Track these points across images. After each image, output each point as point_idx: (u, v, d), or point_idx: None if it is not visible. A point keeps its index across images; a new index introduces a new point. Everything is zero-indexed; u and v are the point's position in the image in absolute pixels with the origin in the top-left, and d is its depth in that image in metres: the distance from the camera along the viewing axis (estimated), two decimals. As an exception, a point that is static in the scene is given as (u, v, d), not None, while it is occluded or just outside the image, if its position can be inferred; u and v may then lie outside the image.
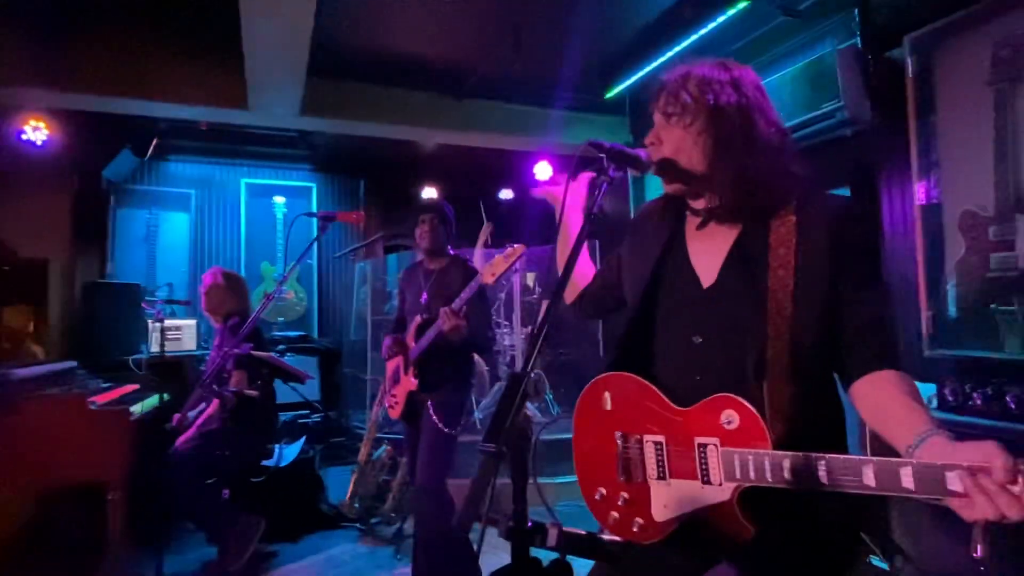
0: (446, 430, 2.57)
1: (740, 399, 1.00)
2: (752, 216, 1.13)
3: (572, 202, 1.39)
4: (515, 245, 2.34)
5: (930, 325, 2.75)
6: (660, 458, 1.09)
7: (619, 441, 1.13)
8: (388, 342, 2.82)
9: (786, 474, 0.93)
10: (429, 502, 2.54)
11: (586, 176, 1.29)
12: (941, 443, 0.86)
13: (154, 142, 4.91)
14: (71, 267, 4.87)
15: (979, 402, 2.22)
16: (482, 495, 0.76)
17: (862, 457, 0.86)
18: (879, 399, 1.01)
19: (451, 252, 2.86)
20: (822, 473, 0.89)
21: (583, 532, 0.83)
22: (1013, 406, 2.13)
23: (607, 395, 1.19)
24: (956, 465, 0.78)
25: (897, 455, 0.89)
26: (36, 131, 4.36)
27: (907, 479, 0.81)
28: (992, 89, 2.55)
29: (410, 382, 2.67)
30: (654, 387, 1.13)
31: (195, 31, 3.96)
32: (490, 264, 2.39)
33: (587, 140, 1.14)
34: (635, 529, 1.09)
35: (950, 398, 2.32)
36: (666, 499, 1.07)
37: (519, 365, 4.70)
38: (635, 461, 1.11)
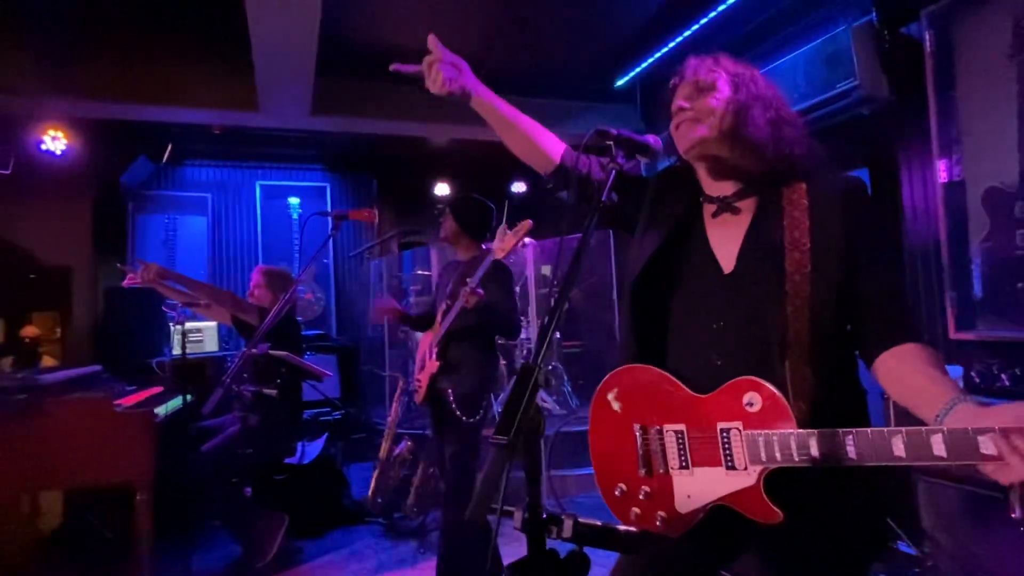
0: (467, 420, 2.59)
1: (761, 381, 1.00)
2: (767, 192, 1.14)
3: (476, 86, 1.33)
4: (523, 221, 2.39)
5: (955, 306, 2.69)
6: (682, 447, 1.07)
7: (638, 433, 1.12)
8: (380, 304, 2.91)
9: (813, 452, 0.92)
10: (455, 490, 2.57)
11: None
12: (970, 409, 0.85)
13: (169, 148, 4.97)
14: (93, 273, 4.96)
15: (1008, 383, 2.17)
16: (494, 487, 0.75)
17: (891, 428, 0.85)
18: (903, 372, 1.00)
19: (484, 247, 2.84)
20: (850, 448, 0.88)
21: (599, 523, 0.82)
22: (1043, 386, 2.07)
23: (623, 388, 1.17)
24: (988, 428, 0.77)
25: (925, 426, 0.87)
26: (55, 141, 4.44)
27: (939, 447, 0.79)
28: (1015, 61, 2.48)
29: (433, 364, 2.69)
30: (671, 376, 1.11)
31: (204, 35, 4.00)
32: (500, 240, 2.41)
33: (595, 127, 1.13)
34: (658, 523, 1.07)
35: (977, 380, 2.27)
36: (689, 489, 1.05)
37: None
38: (656, 453, 1.10)
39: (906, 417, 0.97)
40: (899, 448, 0.83)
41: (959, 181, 2.70)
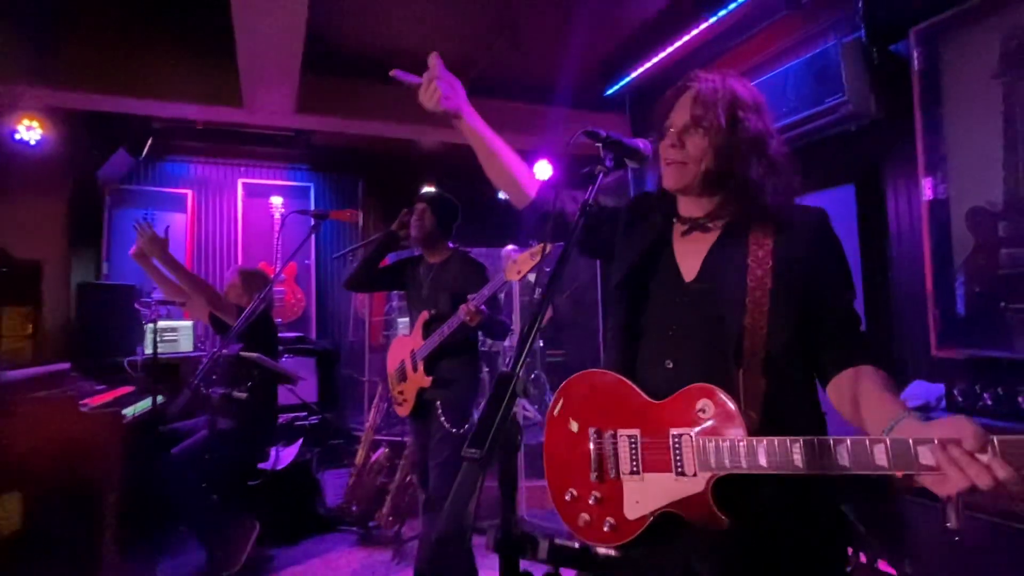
0: (454, 431, 2.54)
1: (714, 388, 1.02)
2: (737, 214, 1.18)
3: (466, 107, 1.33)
4: (540, 243, 2.30)
5: (938, 323, 2.69)
6: (634, 452, 1.08)
7: (592, 437, 1.13)
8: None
9: (761, 460, 0.94)
10: (442, 500, 2.51)
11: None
12: (914, 424, 0.90)
13: (149, 141, 4.86)
14: (66, 268, 4.83)
15: (990, 403, 2.16)
16: (465, 504, 0.70)
17: (836, 437, 0.88)
18: (854, 393, 1.05)
19: (451, 246, 2.80)
20: (796, 456, 0.90)
21: (575, 545, 0.78)
22: (1025, 407, 2.07)
23: (580, 393, 1.19)
24: (927, 439, 0.81)
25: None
26: (30, 131, 4.32)
27: (880, 456, 0.83)
28: (1000, 82, 2.49)
29: (422, 379, 2.63)
30: (628, 381, 1.14)
31: (189, 27, 3.92)
32: (514, 261, 2.33)
33: (582, 128, 1.12)
34: (606, 529, 1.08)
35: (960, 399, 2.26)
36: (639, 495, 1.07)
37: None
38: (608, 458, 1.11)
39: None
40: (843, 457, 0.85)
41: (944, 199, 2.71)
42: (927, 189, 2.75)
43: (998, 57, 2.50)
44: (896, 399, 0.99)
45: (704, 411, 1.01)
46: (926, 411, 2.36)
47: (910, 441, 0.82)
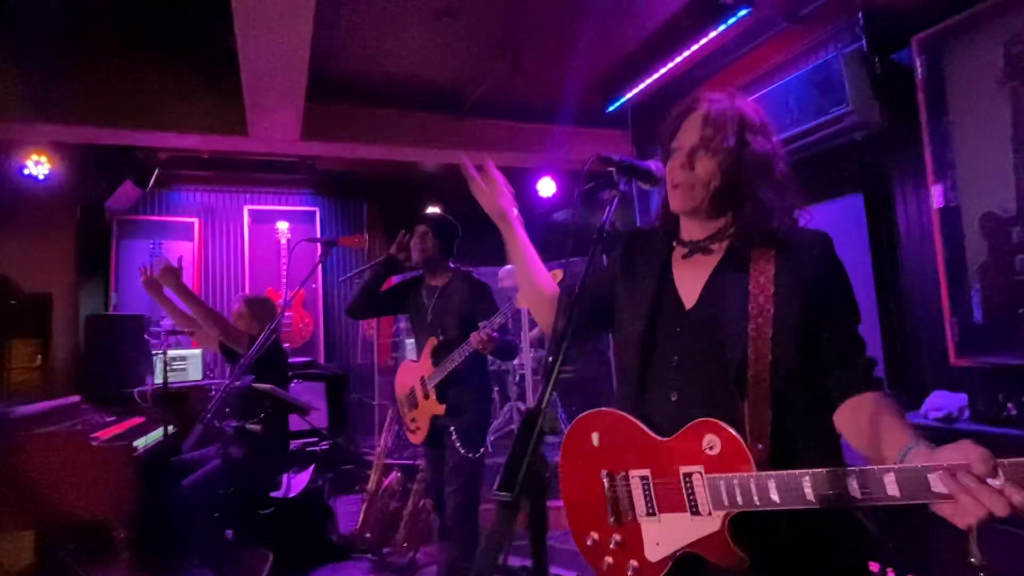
0: (470, 456, 2.51)
1: (719, 422, 1.00)
2: (738, 238, 1.16)
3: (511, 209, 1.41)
4: (555, 271, 2.28)
5: (956, 332, 2.65)
6: (647, 493, 1.07)
7: (605, 481, 1.11)
8: None
9: (772, 495, 0.92)
10: (461, 526, 2.50)
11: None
12: (924, 452, 0.87)
13: (155, 172, 4.90)
14: (74, 300, 4.85)
15: (1015, 412, 2.12)
16: (499, 547, 0.68)
17: (845, 469, 0.86)
18: (862, 421, 1.01)
19: (452, 266, 2.77)
20: (808, 490, 0.88)
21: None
22: (1051, 416, 2.03)
23: (589, 435, 1.16)
24: (936, 466, 0.78)
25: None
26: (38, 165, 4.37)
27: (891, 486, 0.81)
28: (1006, 87, 2.48)
29: (435, 407, 2.60)
30: (635, 419, 1.11)
31: (193, 59, 3.96)
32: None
33: (596, 153, 1.11)
34: (630, 573, 1.06)
35: (983, 409, 2.22)
36: (658, 537, 1.05)
37: (528, 384, 4.64)
38: (623, 500, 1.09)
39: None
40: (854, 489, 0.83)
41: (955, 207, 2.69)
42: (937, 196, 2.73)
43: (1002, 63, 2.49)
44: (905, 426, 0.95)
45: (712, 448, 0.99)
46: (949, 422, 2.31)
47: (919, 467, 0.79)
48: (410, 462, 4.19)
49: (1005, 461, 0.76)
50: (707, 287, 1.15)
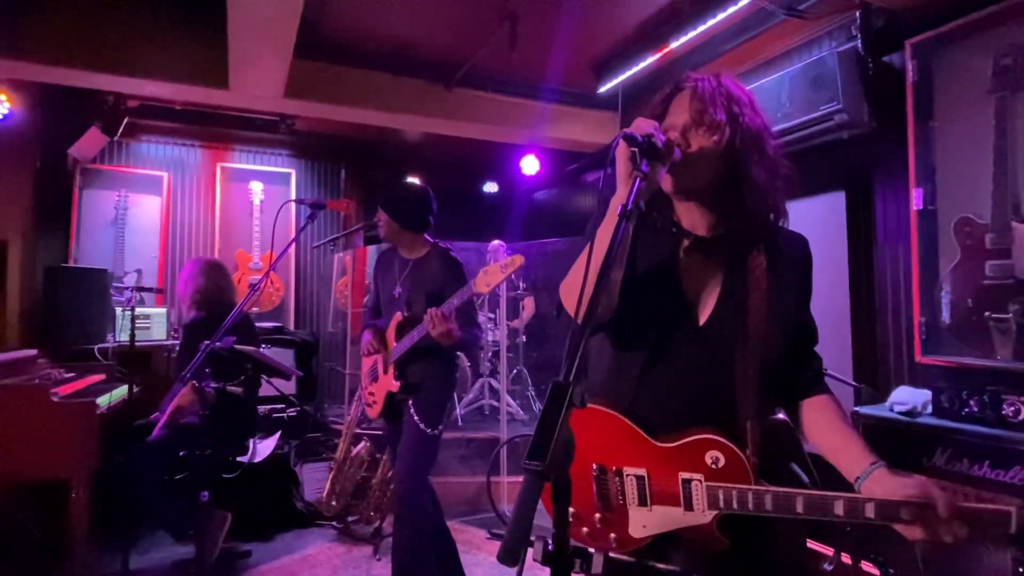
0: (429, 431, 2.48)
1: (724, 440, 1.05)
2: (738, 244, 1.17)
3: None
4: (514, 256, 2.22)
5: (923, 331, 2.76)
6: (643, 489, 1.11)
7: (595, 472, 1.14)
8: (368, 337, 2.67)
9: (767, 506, 1.02)
10: (409, 501, 2.46)
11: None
12: (884, 476, 1.02)
13: (125, 120, 4.67)
14: (32, 250, 4.62)
15: (975, 409, 2.22)
16: (530, 517, 0.68)
17: (834, 493, 0.99)
18: (821, 425, 1.15)
19: (430, 240, 2.67)
20: (799, 506, 1.00)
21: (631, 559, 0.76)
22: (1010, 414, 2.13)
23: (579, 428, 1.14)
24: (910, 503, 0.94)
25: (840, 476, 1.09)
26: (-3, 103, 4.10)
27: (870, 511, 0.96)
28: (993, 97, 2.56)
29: (391, 383, 2.54)
30: (629, 422, 1.12)
31: (175, 1, 3.76)
32: (484, 273, 2.24)
33: (620, 133, 1.09)
34: (612, 542, 1.13)
35: (946, 405, 2.32)
36: (645, 520, 1.11)
37: (502, 361, 4.64)
38: (614, 491, 1.13)
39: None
40: (839, 509, 0.98)
41: (932, 209, 2.78)
42: (917, 199, 2.82)
43: (991, 74, 2.56)
44: (860, 440, 1.10)
45: (716, 463, 1.05)
46: (912, 416, 2.41)
47: (895, 503, 0.96)
48: (380, 432, 4.17)
49: (960, 504, 0.93)
50: (719, 305, 1.15)
